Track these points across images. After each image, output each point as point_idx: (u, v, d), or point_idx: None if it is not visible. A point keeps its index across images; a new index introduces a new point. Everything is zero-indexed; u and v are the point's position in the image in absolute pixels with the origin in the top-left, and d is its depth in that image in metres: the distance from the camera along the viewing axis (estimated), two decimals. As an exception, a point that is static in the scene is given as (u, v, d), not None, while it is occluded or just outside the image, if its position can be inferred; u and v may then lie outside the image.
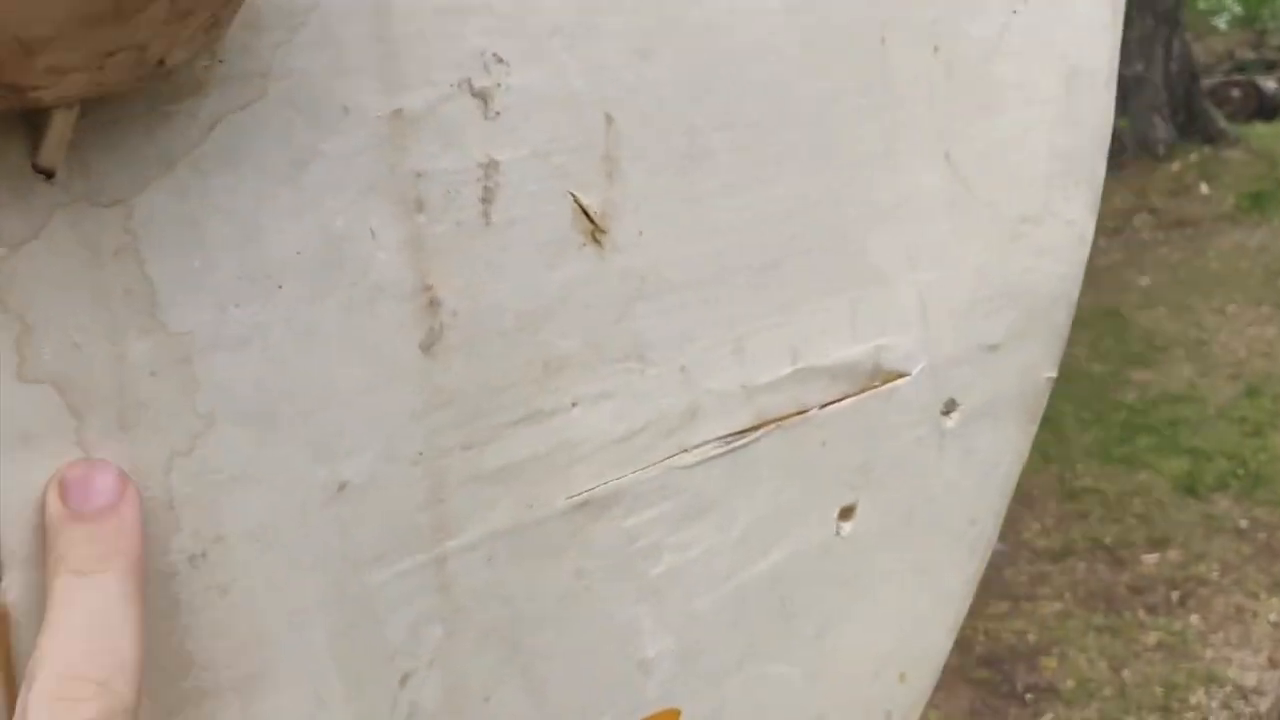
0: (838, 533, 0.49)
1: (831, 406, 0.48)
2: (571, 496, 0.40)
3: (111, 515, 0.30)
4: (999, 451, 0.54)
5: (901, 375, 0.50)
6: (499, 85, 0.36)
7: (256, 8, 0.32)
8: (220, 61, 0.31)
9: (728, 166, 0.42)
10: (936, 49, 0.48)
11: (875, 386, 0.49)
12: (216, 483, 0.33)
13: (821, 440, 0.48)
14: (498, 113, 0.37)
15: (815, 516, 0.48)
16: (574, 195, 0.39)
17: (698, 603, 0.45)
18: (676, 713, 0.45)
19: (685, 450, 0.43)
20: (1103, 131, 0.55)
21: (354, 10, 0.33)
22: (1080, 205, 0.54)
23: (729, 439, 0.44)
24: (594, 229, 0.39)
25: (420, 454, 0.37)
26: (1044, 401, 0.56)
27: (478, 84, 0.36)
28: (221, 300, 0.32)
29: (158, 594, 0.32)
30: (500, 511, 0.39)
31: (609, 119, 0.39)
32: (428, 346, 0.36)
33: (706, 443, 0.44)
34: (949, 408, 0.52)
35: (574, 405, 0.40)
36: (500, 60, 0.36)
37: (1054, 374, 0.56)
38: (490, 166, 0.37)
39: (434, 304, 0.36)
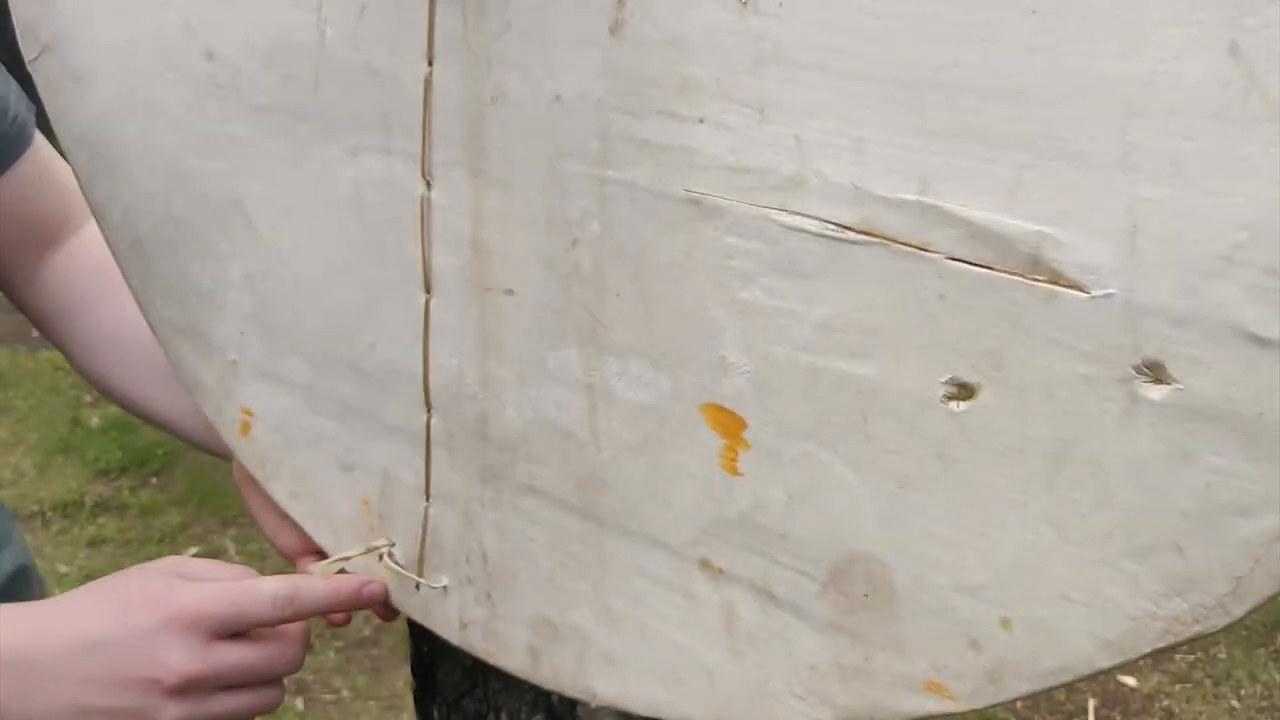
0: (946, 403, 0.46)
1: (962, 265, 0.44)
2: (689, 191, 0.51)
3: None
4: (1249, 492, 0.40)
5: (1075, 287, 0.42)
6: None
7: None
8: None
9: (884, -31, 0.43)
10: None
11: (1031, 278, 0.43)
12: (499, 58, 0.56)
13: (940, 293, 0.45)
14: None
15: (916, 366, 0.46)
16: (729, -48, 0.46)
17: (774, 349, 0.50)
18: (742, 423, 0.53)
19: (786, 210, 0.48)
20: None
21: None
22: None
23: (829, 225, 0.47)
24: (740, -14, 0.46)
25: (600, 100, 0.53)
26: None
27: None
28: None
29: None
30: (640, 170, 0.52)
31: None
32: (614, 30, 0.51)
33: (807, 216, 0.48)
34: (1153, 372, 0.41)
35: (700, 121, 0.49)
36: None
37: None
38: (669, -91, 0.47)
39: (621, 2, 0.50)
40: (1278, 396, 0.39)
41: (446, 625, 0.71)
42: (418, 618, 0.73)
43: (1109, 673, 0.47)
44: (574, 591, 0.63)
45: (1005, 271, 0.43)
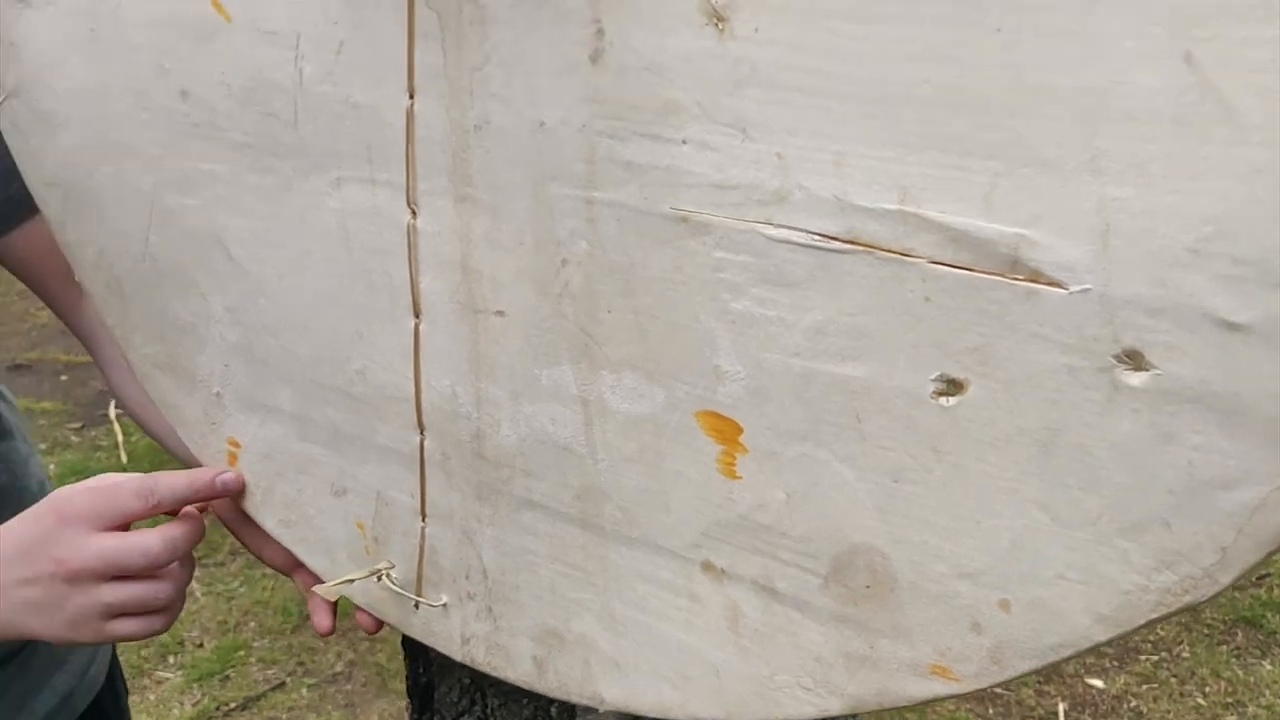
0: (936, 399, 0.49)
1: (944, 268, 0.47)
2: (675, 209, 0.53)
3: None
4: (1229, 467, 0.43)
5: (1053, 284, 0.44)
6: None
7: None
8: None
9: (857, -8, 0.45)
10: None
11: (1011, 278, 0.45)
12: (480, 88, 0.57)
13: (925, 295, 0.47)
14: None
15: (906, 365, 0.49)
16: (705, -20, 0.48)
17: (767, 356, 0.53)
18: (739, 428, 0.55)
19: (772, 224, 0.50)
20: None
21: None
22: None
23: (815, 236, 0.49)
24: (717, 16, 0.49)
25: (583, 125, 0.54)
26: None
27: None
28: None
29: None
30: (627, 191, 0.54)
31: (754, -77, 0.47)
32: (595, 59, 0.53)
33: (793, 229, 0.50)
34: (1132, 360, 0.44)
35: (684, 142, 0.52)
36: None
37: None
38: (646, -60, 0.49)
39: (600, 32, 0.52)
40: (1250, 377, 0.41)
41: (449, 642, 0.72)
42: (419, 636, 0.74)
43: (1101, 648, 0.49)
44: (577, 600, 0.65)
45: (986, 272, 0.46)
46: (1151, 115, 0.41)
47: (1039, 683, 2.61)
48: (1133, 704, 2.63)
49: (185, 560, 0.78)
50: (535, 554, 0.66)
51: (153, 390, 0.83)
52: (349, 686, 2.89)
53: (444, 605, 0.72)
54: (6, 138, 0.82)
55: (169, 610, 0.77)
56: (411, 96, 0.60)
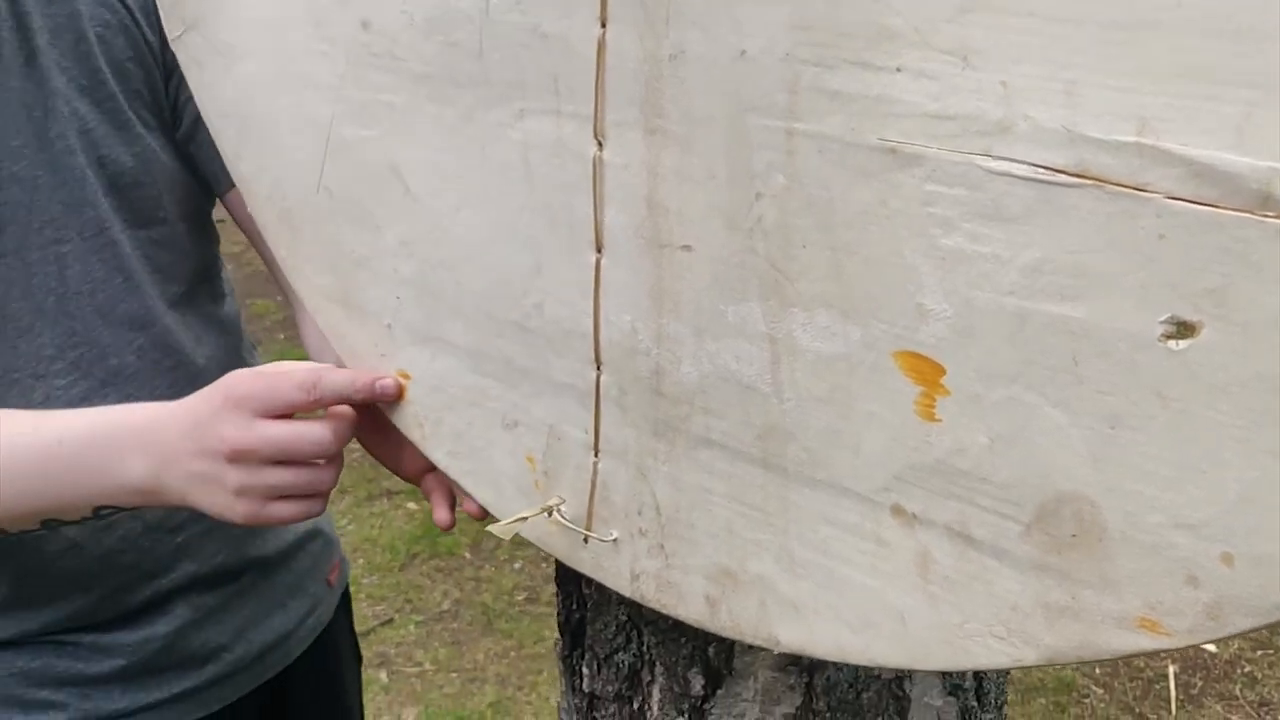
0: (1164, 342, 0.46)
1: (1184, 203, 0.44)
2: (883, 140, 0.51)
3: None
4: None
5: (1309, 223, 0.42)
6: None
7: None
8: None
9: (1104, -92, 0.42)
10: None
11: (1261, 214, 0.43)
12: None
13: (1159, 232, 0.45)
14: None
15: (1133, 306, 0.47)
16: (932, -103, 0.46)
17: (977, 295, 0.51)
18: (941, 369, 0.53)
19: (990, 155, 0.48)
20: None
21: None
22: None
23: (1039, 169, 0.47)
24: (944, -69, 0.46)
25: (788, 54, 0.53)
26: None
27: None
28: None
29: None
30: (831, 122, 0.53)
31: None
32: (804, -20, 0.51)
33: (1015, 161, 0.48)
34: (1394, 304, 0.41)
35: (898, 70, 0.50)
36: None
37: None
38: None
39: (812, -49, 0.50)
40: None
41: (617, 578, 0.72)
42: (587, 571, 0.74)
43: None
44: (755, 541, 0.64)
45: (1232, 209, 0.43)
46: None
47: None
48: (1246, 669, 2.56)
49: (337, 455, 0.81)
50: (712, 492, 0.65)
51: (323, 321, 0.84)
52: (455, 624, 2.95)
53: (614, 540, 0.71)
54: (184, 71, 0.83)
55: (323, 496, 0.81)
56: (604, 25, 0.59)
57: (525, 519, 0.72)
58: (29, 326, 0.96)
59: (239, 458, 0.76)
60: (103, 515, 0.83)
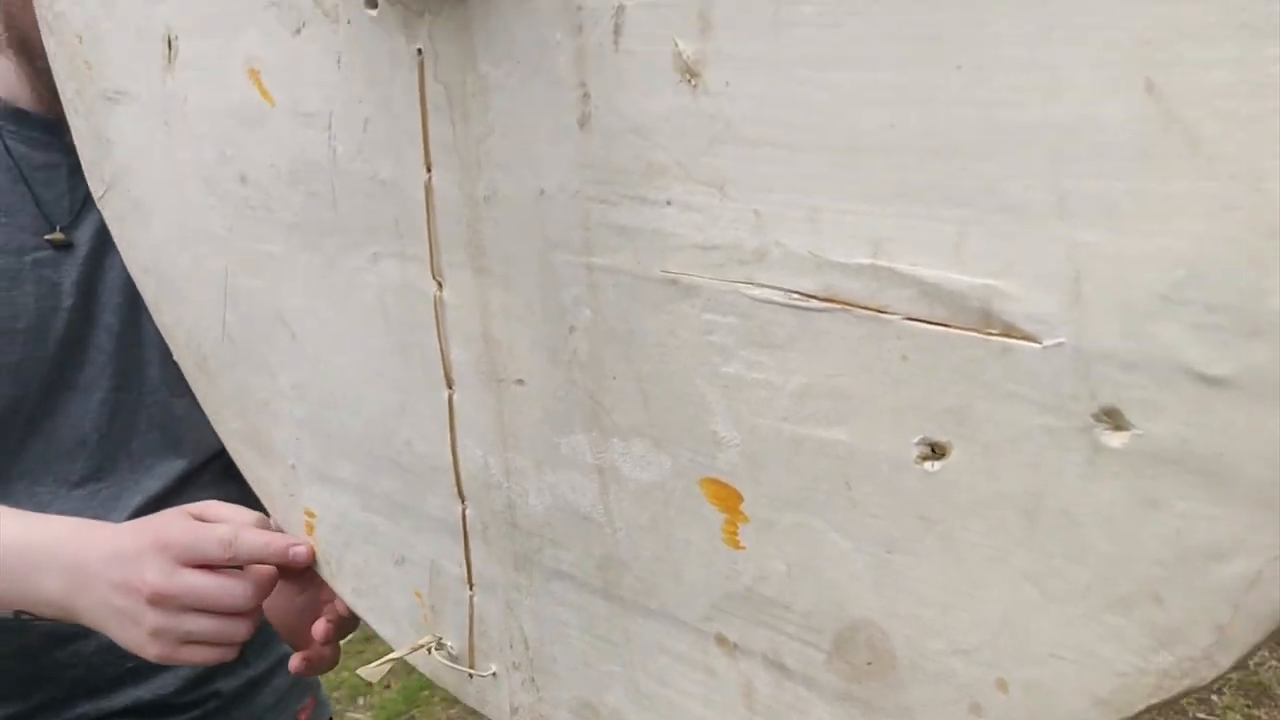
0: (920, 464, 0.46)
1: (919, 324, 0.44)
2: (665, 272, 0.52)
3: None
4: (1220, 536, 0.38)
5: (1027, 338, 0.41)
6: (634, -57, 0.48)
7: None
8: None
9: (813, 40, 0.44)
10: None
11: (984, 333, 0.42)
12: (487, 160, 0.58)
13: (902, 354, 0.45)
14: (632, -36, 0.48)
15: (888, 428, 0.46)
16: (675, 41, 0.48)
17: (759, 421, 0.51)
18: (739, 495, 0.53)
19: (753, 283, 0.49)
20: None
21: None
22: None
23: (794, 294, 0.47)
24: (689, 71, 0.48)
25: (577, 191, 0.54)
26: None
27: (620, -59, 0.49)
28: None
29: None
30: (622, 256, 0.54)
31: (713, -20, 0.46)
32: (582, 123, 0.53)
33: (773, 288, 0.48)
34: (1111, 419, 0.40)
35: (669, 203, 0.51)
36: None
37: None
38: (619, 9, 0.49)
39: (586, 96, 0.52)
40: (1232, 435, 0.37)
41: (499, 711, 0.72)
42: (474, 705, 0.74)
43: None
44: (607, 673, 0.63)
45: (960, 328, 0.43)
46: (1117, 150, 0.38)
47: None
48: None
49: (254, 609, 0.82)
50: (568, 625, 0.65)
51: (241, 464, 0.86)
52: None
53: (494, 675, 0.71)
54: (110, 227, 0.88)
55: (237, 646, 0.83)
56: (429, 170, 0.61)
57: (390, 662, 0.72)
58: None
59: (159, 602, 0.78)
60: (22, 618, 0.85)
